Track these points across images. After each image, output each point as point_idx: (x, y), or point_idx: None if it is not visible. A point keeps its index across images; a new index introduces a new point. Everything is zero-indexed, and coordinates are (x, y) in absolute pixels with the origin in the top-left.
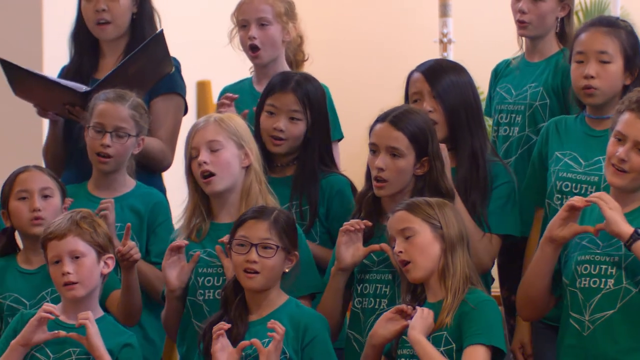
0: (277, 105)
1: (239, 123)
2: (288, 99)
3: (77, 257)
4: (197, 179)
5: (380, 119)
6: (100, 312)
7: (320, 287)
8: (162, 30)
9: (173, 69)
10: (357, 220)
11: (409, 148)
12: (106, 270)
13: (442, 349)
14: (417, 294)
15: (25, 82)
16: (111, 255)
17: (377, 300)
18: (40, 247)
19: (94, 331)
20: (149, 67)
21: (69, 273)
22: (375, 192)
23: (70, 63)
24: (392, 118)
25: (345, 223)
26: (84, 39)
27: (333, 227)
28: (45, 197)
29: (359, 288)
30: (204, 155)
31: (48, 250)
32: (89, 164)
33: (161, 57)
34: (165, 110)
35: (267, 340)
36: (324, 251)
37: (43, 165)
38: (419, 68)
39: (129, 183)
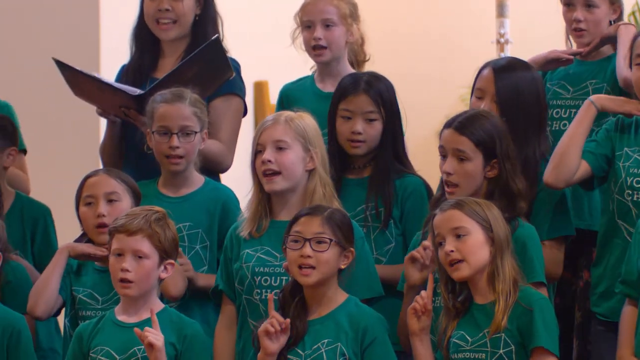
0: (351, 108)
1: (308, 124)
2: (361, 101)
3: (139, 257)
4: (259, 176)
5: (447, 125)
6: (161, 305)
7: (378, 292)
8: (217, 36)
9: (233, 75)
10: (427, 250)
11: (475, 151)
12: (164, 275)
13: (501, 351)
14: (459, 296)
15: (80, 83)
16: (172, 261)
17: None
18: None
19: (159, 347)
20: (207, 72)
21: (127, 270)
22: (447, 196)
23: (131, 61)
24: (457, 124)
25: (414, 251)
26: (145, 38)
27: (407, 229)
28: (111, 201)
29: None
30: (269, 154)
31: (114, 240)
32: (147, 164)
33: (219, 62)
34: (225, 112)
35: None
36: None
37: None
38: (492, 64)
39: (198, 180)
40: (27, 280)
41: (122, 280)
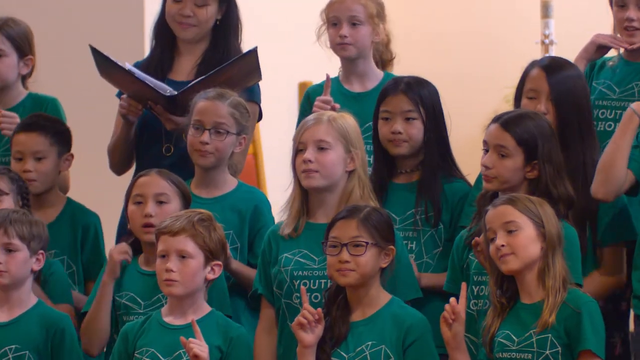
0: (390, 109)
1: (350, 125)
2: (400, 101)
3: (183, 257)
4: (298, 174)
5: (494, 120)
6: (208, 309)
7: (417, 293)
8: (256, 47)
9: (260, 80)
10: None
11: (516, 149)
12: (211, 277)
13: (548, 352)
14: (505, 293)
15: (113, 73)
16: (219, 262)
17: None
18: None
19: (205, 358)
20: (238, 78)
21: (171, 270)
22: (484, 186)
23: (149, 59)
24: (503, 120)
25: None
26: (166, 35)
27: (456, 236)
28: (160, 202)
29: (475, 290)
30: (310, 153)
31: (159, 243)
32: (164, 166)
33: (251, 70)
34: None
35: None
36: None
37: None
38: (539, 64)
39: (230, 182)
40: (62, 274)
41: (166, 280)
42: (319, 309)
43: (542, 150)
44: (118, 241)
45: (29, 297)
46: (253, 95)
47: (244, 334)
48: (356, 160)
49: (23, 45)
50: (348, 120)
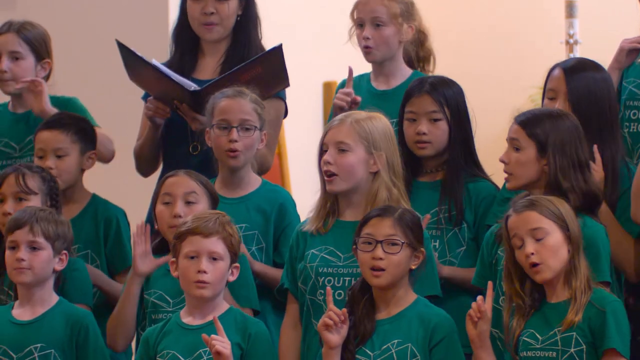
0: (415, 110)
1: (377, 126)
2: (425, 101)
3: (214, 259)
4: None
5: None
6: (226, 306)
7: (437, 291)
8: (281, 45)
9: (288, 86)
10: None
11: (527, 141)
12: (231, 279)
13: (572, 350)
14: (531, 295)
15: (138, 69)
16: (237, 265)
17: None
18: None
19: (227, 354)
20: (263, 79)
21: (205, 272)
22: (506, 186)
23: (171, 61)
24: (517, 116)
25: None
26: (186, 38)
27: (480, 235)
28: (189, 202)
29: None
30: (330, 155)
31: (186, 243)
32: (191, 166)
33: (278, 71)
34: (268, 115)
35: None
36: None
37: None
38: (561, 65)
39: (254, 181)
40: (84, 274)
41: (198, 282)
42: (344, 310)
43: (554, 141)
44: None
45: (51, 296)
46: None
47: (263, 329)
48: (379, 163)
49: (40, 49)
50: (375, 122)
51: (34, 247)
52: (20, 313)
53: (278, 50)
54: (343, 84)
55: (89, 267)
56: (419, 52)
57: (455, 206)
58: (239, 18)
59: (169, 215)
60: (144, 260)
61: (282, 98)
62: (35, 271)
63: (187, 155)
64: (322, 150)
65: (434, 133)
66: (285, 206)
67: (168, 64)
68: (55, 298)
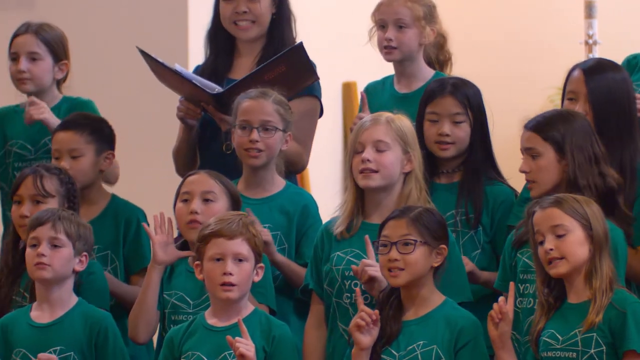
0: (438, 111)
1: (407, 126)
2: (448, 103)
3: (240, 260)
4: (355, 175)
5: (524, 126)
6: (251, 308)
7: (468, 297)
8: (301, 43)
9: (317, 80)
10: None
11: (544, 145)
12: (257, 279)
13: (592, 350)
14: (553, 292)
15: (162, 74)
16: (262, 265)
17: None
18: (196, 241)
19: (251, 357)
20: (288, 76)
21: (230, 274)
22: (531, 194)
23: (206, 63)
24: (528, 123)
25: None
26: (220, 39)
27: (496, 239)
28: (207, 201)
29: (521, 288)
30: (369, 153)
31: (211, 245)
32: (226, 165)
33: (302, 68)
34: (301, 113)
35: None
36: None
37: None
38: (581, 65)
39: (279, 183)
40: (101, 277)
41: (224, 284)
42: (376, 311)
43: (571, 140)
44: None
45: (70, 297)
46: (312, 89)
47: (287, 332)
48: (414, 162)
49: (58, 50)
50: (404, 122)
51: (55, 245)
52: (39, 315)
53: (299, 48)
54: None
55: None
56: (438, 55)
57: (474, 209)
58: (273, 17)
59: (187, 212)
60: (164, 249)
61: (317, 96)
62: (55, 268)
63: (222, 155)
64: (355, 151)
65: (456, 134)
66: (308, 208)
67: (203, 66)
68: (74, 299)
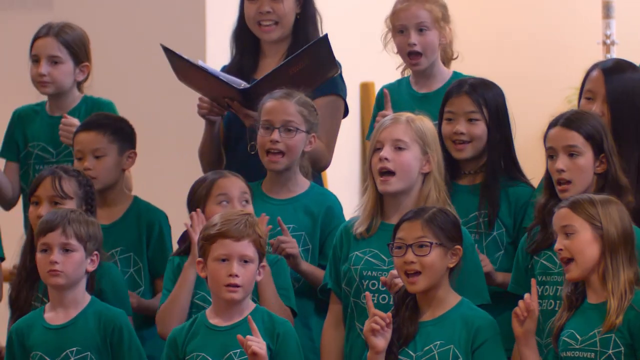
0: (454, 109)
1: (427, 127)
2: (463, 101)
3: (245, 262)
4: (374, 174)
5: (553, 124)
6: (252, 306)
7: (486, 299)
8: (327, 35)
9: (338, 72)
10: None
11: (585, 145)
12: (259, 279)
13: (610, 351)
14: (577, 289)
15: (186, 71)
16: (265, 264)
17: (557, 302)
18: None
19: (263, 355)
20: (312, 69)
21: (236, 276)
22: (560, 195)
23: (231, 63)
24: (564, 120)
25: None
26: (246, 39)
27: (519, 240)
28: (247, 202)
29: (539, 290)
30: (387, 152)
31: (217, 245)
32: (251, 165)
33: (325, 60)
34: (325, 111)
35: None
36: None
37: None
38: (600, 65)
39: (303, 183)
40: (118, 278)
41: (230, 285)
42: (389, 313)
43: (607, 143)
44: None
45: (83, 297)
46: (336, 88)
47: (290, 328)
48: (432, 162)
49: (79, 52)
50: (425, 122)
51: (67, 250)
52: (53, 317)
53: (324, 41)
54: (390, 88)
55: None
56: (446, 53)
57: (491, 210)
58: (298, 16)
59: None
60: None
61: (342, 96)
62: (68, 274)
63: (247, 155)
64: (374, 150)
65: (472, 132)
66: (332, 209)
67: (229, 66)
68: (87, 298)
